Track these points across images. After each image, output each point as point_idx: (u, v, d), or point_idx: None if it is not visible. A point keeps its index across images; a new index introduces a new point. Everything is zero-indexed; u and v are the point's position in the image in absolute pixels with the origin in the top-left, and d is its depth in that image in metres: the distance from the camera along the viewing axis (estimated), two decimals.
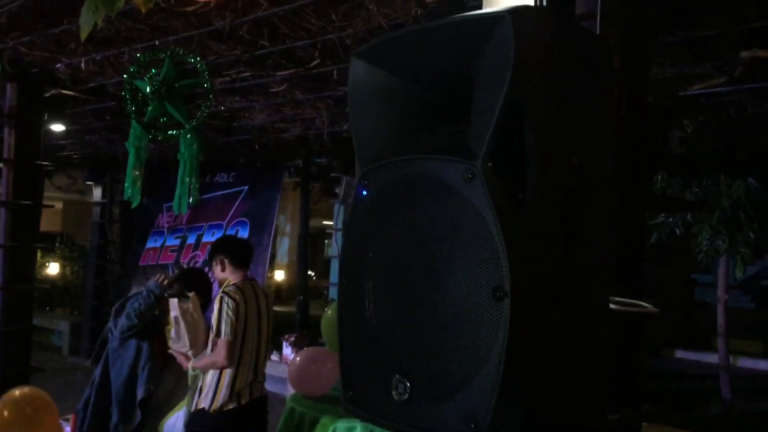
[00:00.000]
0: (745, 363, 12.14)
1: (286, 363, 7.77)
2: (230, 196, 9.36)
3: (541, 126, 1.22)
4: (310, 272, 17.68)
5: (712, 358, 10.00)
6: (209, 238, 9.26)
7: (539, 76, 1.22)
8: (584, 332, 1.32)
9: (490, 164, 1.23)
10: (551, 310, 1.23)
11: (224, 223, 9.29)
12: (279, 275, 20.83)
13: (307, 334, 8.99)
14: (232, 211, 9.22)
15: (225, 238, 5.73)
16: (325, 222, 18.82)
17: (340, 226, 9.25)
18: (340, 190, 8.60)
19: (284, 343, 8.72)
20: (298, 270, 12.02)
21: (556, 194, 1.24)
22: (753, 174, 6.83)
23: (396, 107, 1.46)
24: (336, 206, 9.95)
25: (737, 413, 8.23)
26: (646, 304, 1.83)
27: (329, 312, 5.30)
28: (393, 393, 1.34)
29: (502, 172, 1.24)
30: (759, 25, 3.04)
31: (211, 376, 4.07)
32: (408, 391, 1.32)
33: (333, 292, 12.21)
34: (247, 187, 9.21)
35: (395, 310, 1.37)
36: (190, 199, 4.33)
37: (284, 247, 21.33)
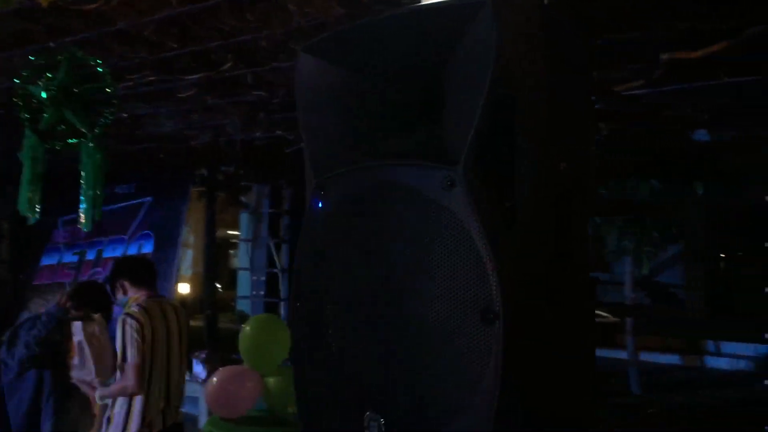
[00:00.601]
0: (647, 357, 12.58)
1: (197, 382, 7.42)
2: (132, 208, 8.88)
3: (532, 124, 1.09)
4: (216, 284, 17.14)
5: (617, 354, 10.29)
6: (110, 253, 8.77)
7: (527, 70, 1.09)
8: (579, 332, 1.19)
9: (472, 169, 1.09)
10: (546, 318, 1.10)
11: (126, 237, 8.81)
12: (183, 288, 20.11)
13: (218, 350, 8.64)
14: (135, 225, 8.75)
15: (121, 261, 5.31)
16: (229, 232, 18.33)
17: (247, 236, 8.97)
18: (250, 199, 8.35)
19: (194, 361, 8.33)
20: (204, 282, 11.58)
21: (549, 197, 1.11)
22: (658, 176, 7.05)
23: (352, 107, 1.30)
24: (244, 216, 9.63)
25: (650, 407, 8.47)
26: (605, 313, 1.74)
27: (247, 328, 5.05)
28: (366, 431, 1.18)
29: (486, 178, 1.10)
30: (684, 27, 3.07)
31: (119, 405, 3.76)
32: (382, 429, 1.16)
33: (241, 305, 11.86)
34: (151, 198, 8.77)
35: (362, 336, 1.21)
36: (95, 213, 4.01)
37: (188, 258, 20.63)
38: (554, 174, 1.12)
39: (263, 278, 7.46)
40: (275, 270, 7.57)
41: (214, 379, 4.84)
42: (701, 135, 5.53)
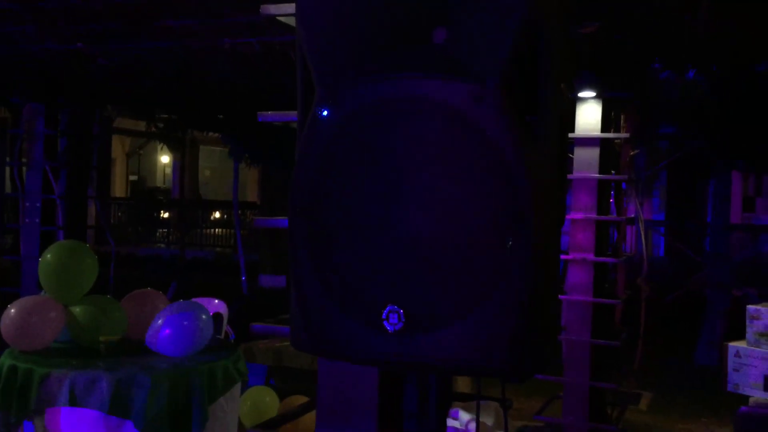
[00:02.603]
0: None
1: None
2: None
3: (554, 49, 1.23)
4: None
5: None
6: None
7: (551, 3, 1.22)
8: (557, 260, 1.38)
9: (501, 85, 1.21)
10: (554, 234, 1.27)
11: None
12: None
13: None
14: None
15: None
16: None
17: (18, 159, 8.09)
18: (21, 121, 7.49)
19: None
20: None
21: (558, 118, 1.27)
22: None
23: (360, 14, 1.32)
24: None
25: None
26: None
27: (48, 255, 4.67)
28: (384, 324, 1.27)
29: (510, 94, 1.22)
30: None
31: None
32: (402, 320, 1.27)
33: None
34: None
35: (378, 241, 1.29)
36: None
37: None
38: (561, 94, 1.27)
39: (38, 205, 6.86)
40: (53, 197, 6.99)
41: (12, 311, 4.46)
42: None
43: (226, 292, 7.10)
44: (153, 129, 9.48)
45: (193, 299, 6.33)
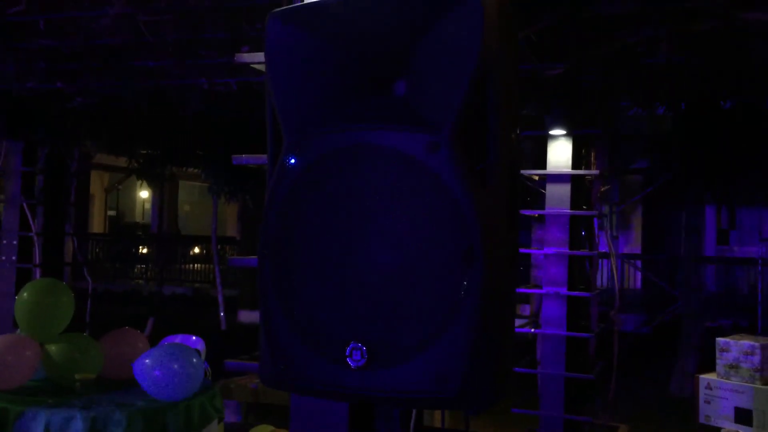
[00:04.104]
0: None
1: None
2: None
3: (501, 100, 1.32)
4: None
5: None
6: None
7: (499, 57, 1.32)
8: (512, 293, 1.46)
9: (455, 135, 1.30)
10: (507, 271, 1.35)
11: None
12: None
13: None
14: None
15: None
16: None
17: None
18: None
19: None
20: None
21: (507, 162, 1.36)
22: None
23: (324, 72, 1.42)
24: None
25: None
26: None
27: (24, 294, 4.68)
28: (348, 361, 1.34)
29: (461, 144, 1.32)
30: None
31: None
32: (365, 356, 1.34)
33: None
34: None
35: (341, 280, 1.37)
36: None
37: None
38: (510, 143, 1.37)
39: (15, 242, 6.85)
40: (30, 234, 6.99)
41: None
42: None
43: (204, 328, 7.10)
44: (133, 165, 9.51)
45: (171, 336, 6.34)
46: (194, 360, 3.85)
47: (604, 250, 8.85)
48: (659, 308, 12.07)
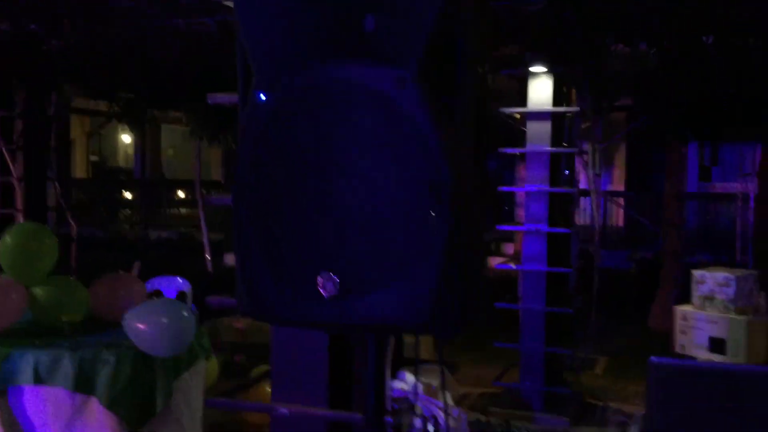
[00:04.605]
0: None
1: None
2: None
3: (468, 30, 1.34)
4: None
5: None
6: None
7: None
8: (481, 230, 1.50)
9: (422, 70, 1.32)
10: (475, 205, 1.39)
11: None
12: None
13: None
14: None
15: None
16: None
17: None
18: None
19: None
20: None
21: (474, 98, 1.38)
22: None
23: (292, 9, 1.42)
24: None
25: None
26: None
27: (8, 237, 4.70)
28: (321, 291, 1.38)
29: (429, 78, 1.33)
30: None
31: None
32: (337, 287, 1.38)
33: None
34: None
35: (314, 216, 1.40)
36: None
37: None
38: (477, 76, 1.39)
39: None
40: (11, 178, 6.96)
41: None
42: None
43: (191, 271, 7.17)
44: (114, 109, 9.41)
45: (156, 278, 6.39)
46: (185, 314, 3.80)
47: (586, 188, 8.93)
48: (642, 245, 12.25)
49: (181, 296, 6.39)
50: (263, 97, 1.40)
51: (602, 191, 13.25)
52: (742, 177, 11.66)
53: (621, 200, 15.61)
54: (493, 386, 6.17)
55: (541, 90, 5.61)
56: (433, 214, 1.30)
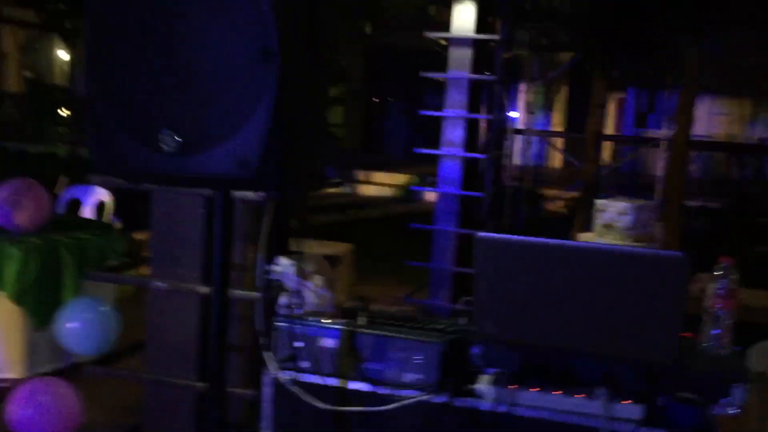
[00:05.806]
0: None
1: None
2: None
3: None
4: None
5: None
6: None
7: None
8: (318, 106, 1.63)
9: None
10: (307, 78, 1.52)
11: None
12: None
13: None
14: None
15: None
16: None
17: None
18: None
19: None
20: None
21: None
22: None
23: None
24: None
25: None
26: None
27: None
28: (161, 146, 1.51)
29: None
30: None
31: None
32: (176, 142, 1.51)
33: None
34: None
35: (156, 75, 1.51)
36: None
37: None
38: None
39: None
40: None
41: None
42: None
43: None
44: (43, 17, 9.17)
45: (75, 187, 6.39)
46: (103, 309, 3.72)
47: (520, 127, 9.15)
48: (572, 183, 12.61)
49: (101, 206, 6.41)
50: None
51: (537, 130, 13.54)
52: (668, 120, 12.06)
53: (554, 141, 15.98)
54: (404, 302, 6.41)
55: (464, 17, 5.71)
56: (264, 77, 1.43)
